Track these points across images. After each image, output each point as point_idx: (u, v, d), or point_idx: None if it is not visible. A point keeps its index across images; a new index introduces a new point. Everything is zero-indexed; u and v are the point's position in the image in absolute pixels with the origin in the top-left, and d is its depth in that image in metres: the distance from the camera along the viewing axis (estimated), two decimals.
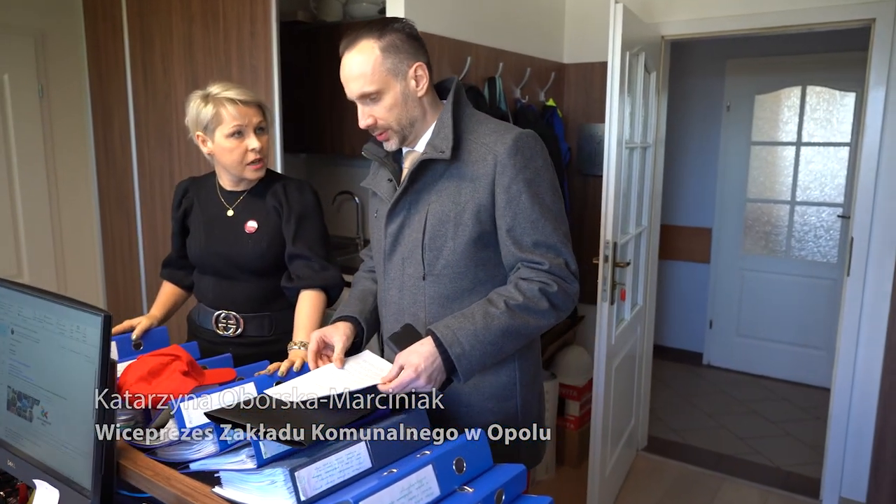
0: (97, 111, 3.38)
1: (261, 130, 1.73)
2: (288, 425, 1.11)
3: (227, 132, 1.68)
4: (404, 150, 1.47)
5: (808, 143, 4.36)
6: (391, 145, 1.41)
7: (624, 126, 2.57)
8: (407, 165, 1.45)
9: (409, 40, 1.34)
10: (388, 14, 2.36)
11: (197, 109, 1.69)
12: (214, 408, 1.24)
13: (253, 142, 1.69)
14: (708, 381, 4.55)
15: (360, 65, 1.31)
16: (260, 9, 2.62)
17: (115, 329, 1.69)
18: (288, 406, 1.23)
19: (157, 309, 1.83)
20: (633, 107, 2.73)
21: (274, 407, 1.22)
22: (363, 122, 1.37)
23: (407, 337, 1.34)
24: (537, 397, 1.52)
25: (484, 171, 1.33)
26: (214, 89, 1.69)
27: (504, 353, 1.33)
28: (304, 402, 1.23)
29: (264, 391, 1.30)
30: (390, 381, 1.24)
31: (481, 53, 2.75)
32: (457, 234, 1.36)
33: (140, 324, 1.70)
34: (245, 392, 1.33)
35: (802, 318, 4.44)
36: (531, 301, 1.30)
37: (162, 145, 3.06)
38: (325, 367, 1.40)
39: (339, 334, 1.43)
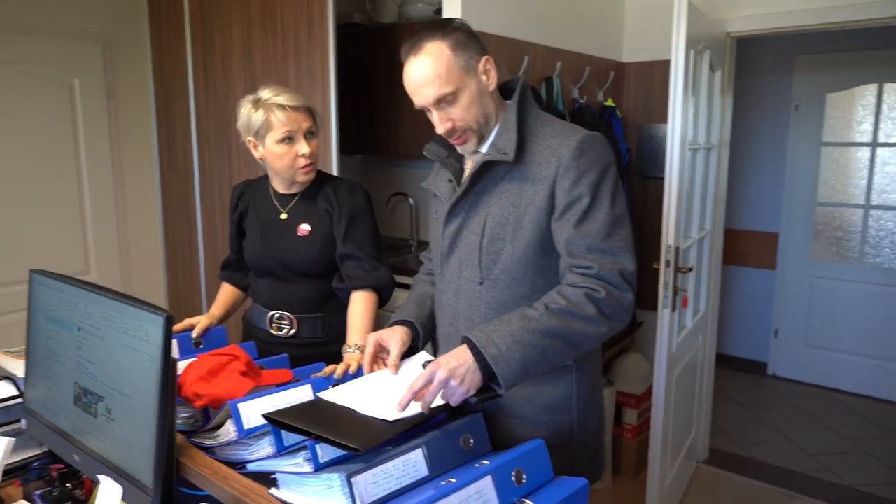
0: (160, 114, 3.48)
1: (311, 135, 1.73)
2: (344, 431, 1.10)
3: (277, 138, 1.68)
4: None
5: (884, 143, 4.13)
6: (469, 147, 1.37)
7: (687, 126, 2.47)
8: (469, 166, 1.42)
9: (470, 37, 1.32)
10: (445, 14, 2.33)
11: (248, 115, 1.70)
12: (272, 410, 1.23)
13: (303, 147, 1.69)
14: (773, 392, 4.36)
15: (432, 67, 1.28)
16: (317, 11, 2.64)
17: (176, 327, 1.72)
18: (344, 411, 1.21)
19: (217, 308, 1.86)
20: (696, 107, 2.63)
21: (330, 411, 1.21)
22: (442, 128, 1.33)
23: None
24: (596, 412, 1.45)
25: (546, 174, 1.28)
26: (265, 94, 1.69)
27: (550, 358, 1.23)
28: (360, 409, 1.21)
29: (320, 393, 1.29)
30: (419, 390, 1.18)
31: (539, 53, 2.70)
32: (515, 238, 1.32)
33: (200, 322, 1.73)
34: (302, 394, 1.32)
35: (878, 329, 4.20)
36: (574, 305, 1.22)
37: (221, 147, 3.12)
38: (380, 372, 1.38)
39: (395, 338, 1.40)
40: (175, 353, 1.68)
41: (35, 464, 1.37)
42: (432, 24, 1.32)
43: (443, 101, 1.30)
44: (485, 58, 1.32)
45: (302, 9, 2.68)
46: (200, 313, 1.92)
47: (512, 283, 1.34)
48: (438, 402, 1.22)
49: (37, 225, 3.14)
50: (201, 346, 1.73)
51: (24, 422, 1.37)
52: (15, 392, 1.43)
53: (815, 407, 4.11)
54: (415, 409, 1.20)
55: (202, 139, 3.23)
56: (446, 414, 1.28)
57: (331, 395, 1.27)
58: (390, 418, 1.15)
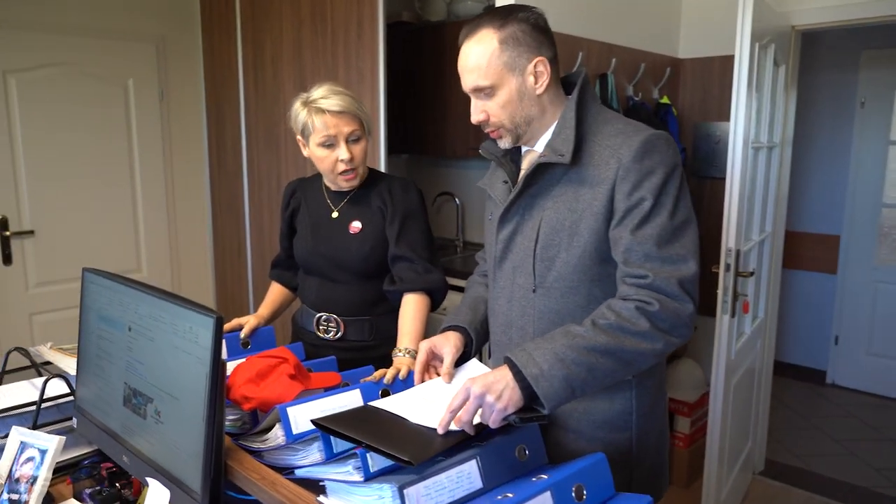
0: (211, 114, 3.51)
1: (354, 141, 1.68)
2: (396, 441, 1.05)
3: (317, 141, 1.66)
4: (523, 149, 1.37)
5: None
6: (504, 143, 1.32)
7: (750, 124, 2.36)
8: (524, 167, 1.36)
9: (534, 32, 1.23)
10: None
11: (296, 114, 1.68)
12: (321, 415, 1.20)
13: (343, 152, 1.66)
14: (833, 402, 4.17)
15: (476, 56, 1.22)
16: (367, 10, 2.62)
17: (224, 327, 1.70)
18: (395, 420, 1.17)
19: (265, 308, 1.84)
20: (759, 103, 2.51)
21: (381, 419, 1.17)
22: (475, 118, 1.28)
23: None
24: (657, 429, 1.36)
25: (606, 177, 1.20)
26: (314, 94, 1.66)
27: (600, 377, 1.13)
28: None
29: (371, 402, 1.25)
30: (457, 408, 1.10)
31: (593, 49, 2.62)
32: (571, 244, 1.24)
33: (248, 323, 1.71)
34: (351, 399, 1.29)
35: None
36: (625, 320, 1.13)
37: (270, 147, 3.12)
38: (433, 381, 1.34)
39: (448, 345, 1.35)
40: (223, 353, 1.67)
41: (85, 462, 1.37)
42: (503, 9, 1.25)
43: (480, 92, 1.25)
44: (538, 59, 1.23)
45: (352, 8, 2.66)
46: (247, 313, 1.92)
47: (567, 291, 1.27)
48: (477, 421, 1.15)
49: (91, 223, 3.21)
50: (249, 347, 1.71)
51: (74, 420, 1.37)
52: (67, 390, 1.44)
53: (877, 419, 3.91)
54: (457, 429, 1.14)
55: (251, 139, 3.25)
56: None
57: (382, 404, 1.23)
58: (442, 429, 1.10)
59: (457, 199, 3.66)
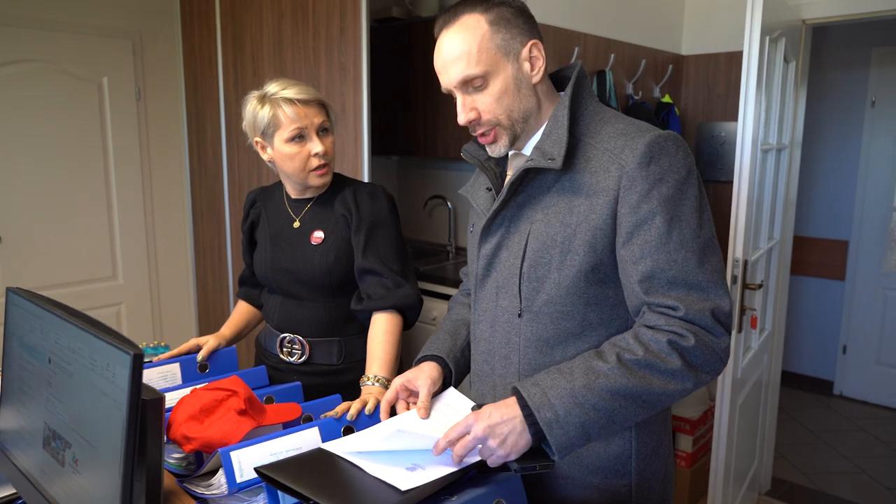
0: (191, 113, 3.35)
1: (324, 132, 1.52)
2: (348, 499, 0.89)
3: (286, 136, 1.48)
4: (510, 152, 1.18)
5: None
6: (498, 148, 1.12)
7: (759, 125, 2.20)
8: (510, 172, 1.19)
9: (521, 15, 1.08)
10: None
11: (253, 112, 1.51)
12: (269, 460, 1.04)
13: (316, 145, 1.49)
14: (841, 414, 4.00)
15: (462, 43, 1.05)
16: (350, 4, 2.45)
17: (181, 348, 1.55)
18: (352, 469, 1.01)
19: (228, 328, 1.67)
20: (768, 102, 2.34)
21: (335, 468, 1.01)
22: (464, 117, 1.09)
23: None
24: (661, 473, 1.18)
25: (605, 186, 1.03)
26: (271, 88, 1.50)
27: (618, 422, 0.99)
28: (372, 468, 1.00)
29: (329, 443, 1.09)
30: (454, 439, 0.98)
31: (590, 44, 2.46)
32: (563, 263, 1.06)
33: (207, 344, 1.55)
34: (308, 439, 1.13)
35: None
36: (655, 356, 0.97)
37: (250, 148, 2.96)
38: (405, 415, 1.17)
39: (423, 378, 1.19)
40: (177, 378, 1.52)
41: (18, 502, 1.21)
42: None
43: (469, 85, 1.07)
44: (532, 41, 1.07)
45: (335, 1, 2.50)
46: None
47: (558, 316, 1.09)
48: (475, 457, 1.00)
49: (63, 228, 3.04)
50: (207, 371, 1.55)
51: None
52: None
53: (888, 433, 3.74)
54: (446, 461, 1.01)
55: (231, 140, 3.09)
56: (475, 471, 1.06)
57: (339, 445, 1.07)
58: (403, 486, 0.94)
59: (449, 203, 3.50)
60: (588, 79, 1.15)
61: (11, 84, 2.83)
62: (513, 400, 1.00)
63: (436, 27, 1.11)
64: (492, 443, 0.96)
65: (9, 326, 1.19)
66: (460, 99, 1.09)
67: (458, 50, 1.06)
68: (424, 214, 3.63)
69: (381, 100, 3.15)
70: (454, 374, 1.25)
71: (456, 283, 2.81)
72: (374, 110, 2.53)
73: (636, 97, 2.75)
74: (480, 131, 1.11)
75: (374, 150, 2.54)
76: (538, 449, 1.00)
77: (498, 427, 0.96)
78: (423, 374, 1.20)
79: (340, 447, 1.06)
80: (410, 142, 3.31)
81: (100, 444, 0.92)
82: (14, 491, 1.24)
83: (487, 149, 1.14)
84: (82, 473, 0.96)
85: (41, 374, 1.07)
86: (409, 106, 3.26)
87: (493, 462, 0.98)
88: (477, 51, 1.05)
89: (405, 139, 3.33)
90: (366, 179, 2.49)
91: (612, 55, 2.56)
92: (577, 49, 2.35)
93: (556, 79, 1.17)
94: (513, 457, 0.98)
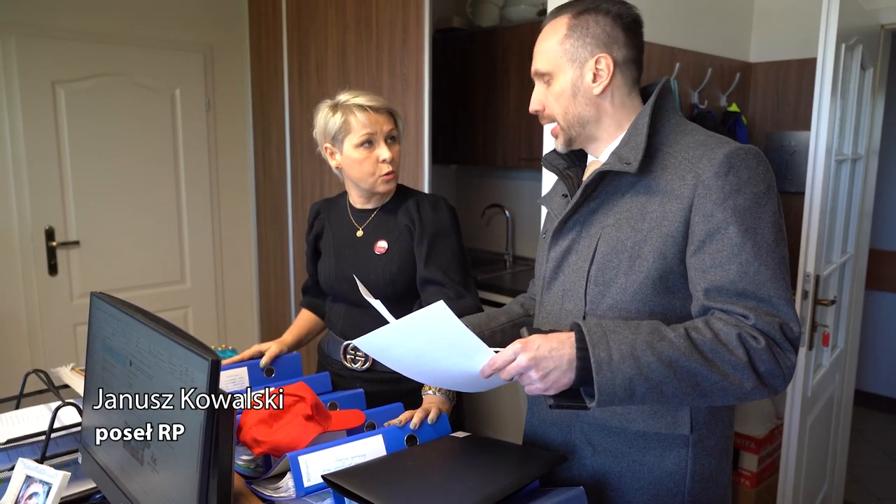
0: (257, 123, 3.46)
1: (392, 140, 1.57)
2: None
3: (356, 142, 1.53)
4: (589, 160, 1.23)
5: None
6: (558, 144, 1.19)
7: (833, 134, 2.11)
8: (585, 177, 1.20)
9: (612, 26, 1.09)
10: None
11: (325, 119, 1.57)
12: (336, 466, 1.06)
13: (384, 151, 1.53)
14: None
15: (544, 39, 1.14)
16: (413, 15, 2.49)
17: (244, 354, 1.60)
18: (418, 474, 1.02)
19: (290, 334, 1.71)
20: (843, 111, 2.25)
21: (402, 474, 1.02)
22: (532, 106, 1.18)
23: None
24: (718, 498, 1.14)
25: (680, 193, 1.02)
26: (343, 97, 1.56)
27: (666, 395, 0.96)
28: (436, 468, 1.01)
29: (393, 453, 1.10)
30: (500, 367, 0.98)
31: (655, 53, 2.41)
32: (632, 269, 1.06)
33: (269, 350, 1.59)
34: (372, 447, 1.15)
35: None
36: (722, 344, 0.94)
37: (314, 156, 3.03)
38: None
39: None
40: (245, 381, 1.56)
41: (96, 497, 1.27)
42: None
43: (540, 78, 1.16)
44: (602, 55, 1.08)
45: (398, 13, 2.55)
46: (291, 323, 1.80)
47: None
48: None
49: (135, 233, 3.19)
50: (273, 375, 1.59)
51: (80, 455, 1.27)
52: (79, 419, 1.35)
53: None
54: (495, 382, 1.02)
55: (295, 148, 3.18)
56: (538, 482, 1.05)
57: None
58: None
59: (507, 212, 3.50)
60: (672, 94, 1.15)
61: (91, 96, 2.99)
62: (567, 336, 0.98)
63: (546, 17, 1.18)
64: (534, 374, 0.96)
65: (93, 329, 1.25)
66: (535, 89, 1.17)
67: (540, 44, 1.14)
68: (482, 223, 3.64)
69: (439, 108, 3.18)
70: None
71: (513, 293, 2.80)
72: (433, 119, 2.56)
73: (702, 106, 2.68)
74: (543, 122, 1.19)
75: (433, 159, 2.56)
76: (576, 392, 0.99)
77: (543, 361, 0.95)
78: None
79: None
80: (469, 150, 3.33)
81: (177, 444, 0.96)
82: (94, 485, 1.31)
83: (554, 142, 1.20)
84: (160, 472, 1.00)
85: (122, 377, 1.12)
86: (468, 115, 3.27)
87: (529, 391, 0.98)
88: (548, 50, 1.12)
89: (464, 148, 3.35)
90: (426, 188, 2.52)
91: (678, 64, 2.51)
92: None
93: (644, 94, 1.18)
94: (551, 392, 0.97)
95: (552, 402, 0.98)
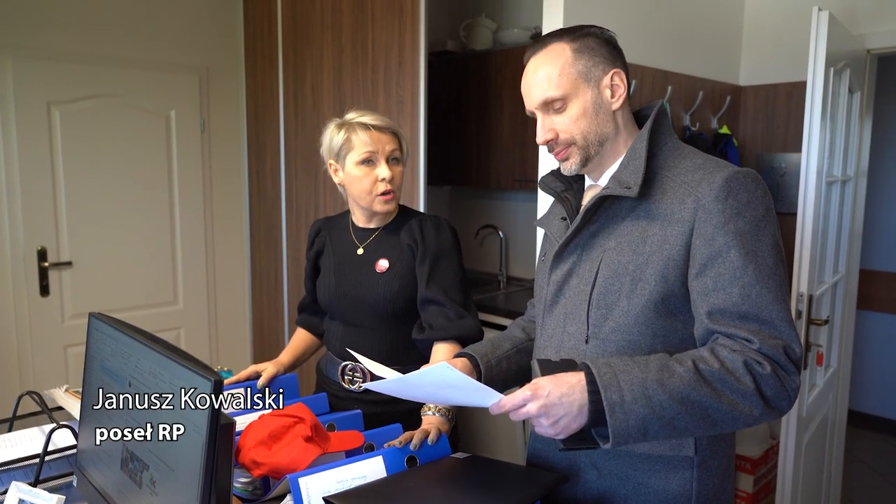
0: (252, 144, 3.47)
1: (394, 161, 1.59)
2: None
3: (357, 159, 1.55)
4: (587, 183, 1.23)
5: None
6: (570, 166, 1.15)
7: (824, 156, 2.15)
8: (585, 202, 1.21)
9: (606, 45, 1.13)
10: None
11: (330, 136, 1.59)
12: (336, 488, 1.06)
13: (384, 170, 1.55)
14: None
15: (545, 67, 1.11)
16: (408, 38, 2.52)
17: (240, 375, 1.59)
18: (422, 498, 1.01)
19: (287, 355, 1.71)
20: (832, 133, 2.29)
21: (403, 495, 1.01)
22: (541, 137, 1.14)
23: (561, 369, 1.02)
24: None
25: (680, 217, 1.04)
26: (350, 115, 1.59)
27: (678, 429, 0.96)
28: (438, 489, 1.01)
29: (394, 474, 1.10)
30: (509, 411, 0.98)
31: (647, 76, 2.45)
32: (634, 292, 1.07)
33: (266, 371, 1.58)
34: (372, 468, 1.14)
35: None
36: (730, 372, 0.95)
37: (308, 176, 3.05)
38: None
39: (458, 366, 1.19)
40: (241, 402, 1.55)
41: None
42: (571, 27, 1.15)
43: (549, 107, 1.12)
44: (614, 70, 1.11)
45: (393, 35, 2.58)
46: (284, 346, 1.80)
47: (624, 345, 1.09)
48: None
49: (128, 254, 3.17)
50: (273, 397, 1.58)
51: (74, 478, 1.25)
52: (73, 441, 1.33)
53: None
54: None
55: (290, 170, 3.18)
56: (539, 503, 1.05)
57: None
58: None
59: (500, 232, 3.51)
60: (668, 117, 1.17)
61: (86, 117, 2.99)
62: (577, 380, 0.97)
63: (526, 55, 1.17)
64: (544, 421, 0.96)
65: (90, 350, 1.24)
66: (540, 120, 1.14)
67: (541, 74, 1.12)
68: (476, 244, 3.65)
69: (434, 130, 3.20)
70: (483, 377, 1.24)
71: (507, 313, 2.80)
72: (428, 141, 2.58)
73: (693, 128, 2.72)
74: (556, 150, 1.15)
75: (428, 180, 2.58)
76: (587, 432, 0.99)
77: (554, 408, 0.95)
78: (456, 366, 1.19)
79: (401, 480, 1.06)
80: (463, 171, 3.35)
81: (178, 467, 0.95)
82: None
83: (562, 167, 1.17)
84: (159, 495, 0.99)
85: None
86: (462, 137, 3.30)
87: (539, 433, 0.99)
88: (558, 75, 1.10)
89: (457, 169, 3.37)
90: (422, 209, 2.53)
91: (670, 87, 2.55)
92: (634, 81, 2.35)
93: (638, 118, 1.20)
94: (561, 437, 0.97)
95: (562, 445, 0.98)
